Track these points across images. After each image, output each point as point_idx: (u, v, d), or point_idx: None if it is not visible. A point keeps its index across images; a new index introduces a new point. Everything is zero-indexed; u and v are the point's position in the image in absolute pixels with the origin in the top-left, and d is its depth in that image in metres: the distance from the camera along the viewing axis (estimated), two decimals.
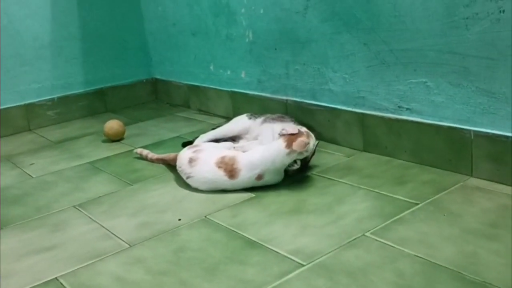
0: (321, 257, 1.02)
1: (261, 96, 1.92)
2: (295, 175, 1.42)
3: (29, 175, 1.66)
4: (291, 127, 1.36)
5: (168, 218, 1.25)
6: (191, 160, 1.40)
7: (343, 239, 1.08)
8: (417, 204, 1.20)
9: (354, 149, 1.60)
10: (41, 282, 1.02)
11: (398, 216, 1.15)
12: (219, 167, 1.35)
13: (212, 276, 0.99)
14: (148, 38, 2.51)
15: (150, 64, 2.54)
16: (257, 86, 1.94)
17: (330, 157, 1.57)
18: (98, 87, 2.40)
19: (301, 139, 1.32)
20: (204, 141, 1.63)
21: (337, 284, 0.93)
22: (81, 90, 2.35)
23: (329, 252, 1.03)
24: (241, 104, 2.02)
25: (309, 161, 1.46)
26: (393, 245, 1.04)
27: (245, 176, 1.34)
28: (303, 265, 1.00)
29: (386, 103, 1.49)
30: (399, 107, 1.46)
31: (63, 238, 1.20)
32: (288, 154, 1.32)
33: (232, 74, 2.06)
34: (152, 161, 1.65)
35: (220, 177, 1.35)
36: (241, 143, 1.61)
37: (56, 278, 1.03)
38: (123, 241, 1.16)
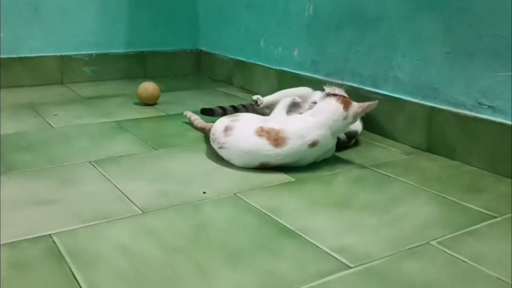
0: (373, 261, 0.81)
1: (313, 78, 1.72)
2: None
3: (50, 125, 1.52)
4: (339, 90, 1.23)
5: (192, 190, 1.07)
6: (227, 129, 1.21)
7: (402, 244, 0.87)
8: (495, 217, 0.98)
9: (415, 147, 1.38)
10: (32, 237, 0.86)
11: (471, 228, 0.93)
12: (260, 135, 1.16)
13: (235, 263, 0.80)
14: (199, 5, 2.34)
15: (197, 34, 2.38)
16: (310, 66, 1.74)
17: (385, 152, 1.35)
18: (139, 50, 2.25)
19: (357, 104, 1.20)
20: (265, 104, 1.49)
21: None
22: (121, 51, 2.21)
23: (384, 257, 0.82)
24: (289, 85, 1.81)
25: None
26: (466, 260, 0.82)
27: (294, 144, 1.15)
28: (349, 267, 0.79)
29: (464, 97, 1.26)
30: (479, 103, 1.23)
31: (70, 193, 1.04)
32: (345, 118, 1.18)
33: (283, 51, 1.87)
34: (195, 128, 1.48)
35: (262, 146, 1.15)
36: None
37: (49, 235, 0.86)
38: (137, 206, 0.99)
